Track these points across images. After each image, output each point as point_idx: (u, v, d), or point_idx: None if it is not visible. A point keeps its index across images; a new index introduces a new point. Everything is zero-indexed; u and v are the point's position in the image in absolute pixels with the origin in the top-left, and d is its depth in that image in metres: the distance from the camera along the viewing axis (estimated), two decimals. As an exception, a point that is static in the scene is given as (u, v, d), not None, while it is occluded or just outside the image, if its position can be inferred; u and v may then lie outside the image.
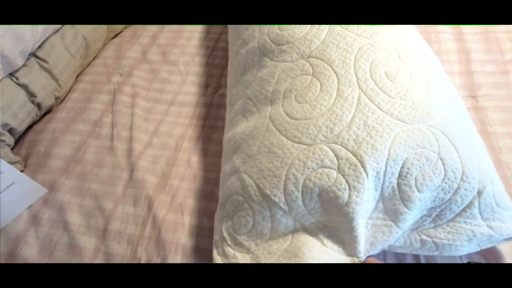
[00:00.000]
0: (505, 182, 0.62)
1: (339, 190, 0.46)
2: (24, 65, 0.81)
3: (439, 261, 0.56)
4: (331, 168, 0.46)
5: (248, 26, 0.69)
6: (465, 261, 0.55)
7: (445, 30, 0.88)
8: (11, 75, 0.79)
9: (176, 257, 0.60)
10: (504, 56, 0.80)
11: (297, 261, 0.46)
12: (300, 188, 0.47)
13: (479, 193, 0.47)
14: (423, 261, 0.57)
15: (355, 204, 0.45)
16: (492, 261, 0.55)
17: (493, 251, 0.56)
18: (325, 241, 0.47)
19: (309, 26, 0.60)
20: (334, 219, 0.48)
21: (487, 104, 0.73)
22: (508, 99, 0.73)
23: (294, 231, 0.49)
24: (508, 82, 0.76)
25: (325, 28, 0.59)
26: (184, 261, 0.60)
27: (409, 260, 0.57)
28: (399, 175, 0.46)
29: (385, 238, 0.49)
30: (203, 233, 0.63)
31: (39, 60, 0.84)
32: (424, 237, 0.50)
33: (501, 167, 0.64)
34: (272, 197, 0.48)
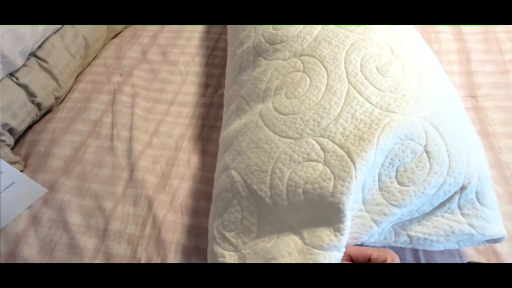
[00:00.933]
0: (505, 182, 0.62)
1: (323, 180, 0.44)
2: (24, 65, 0.81)
3: (439, 261, 0.56)
4: (317, 161, 0.46)
5: (245, 26, 0.69)
6: (465, 261, 0.55)
7: (445, 30, 0.88)
8: (11, 75, 0.79)
9: (176, 257, 0.60)
10: (504, 56, 0.80)
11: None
12: (286, 182, 0.46)
13: (462, 188, 0.46)
14: (423, 261, 0.57)
15: (341, 194, 0.43)
16: (492, 261, 0.55)
17: (493, 251, 0.56)
18: (308, 240, 0.45)
19: (303, 24, 0.60)
20: (320, 214, 0.46)
21: (487, 104, 0.73)
22: (508, 99, 0.73)
23: (280, 231, 0.48)
24: (508, 82, 0.76)
25: (318, 26, 0.59)
26: (184, 261, 0.60)
27: (409, 260, 0.57)
28: (382, 165, 0.46)
29: (355, 230, 0.47)
30: (203, 233, 0.63)
31: (39, 60, 0.84)
32: (398, 229, 0.49)
33: (501, 167, 0.64)
34: (259, 192, 0.48)
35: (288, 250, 0.45)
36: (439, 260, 0.56)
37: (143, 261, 0.61)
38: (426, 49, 0.61)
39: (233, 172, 0.51)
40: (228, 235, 0.50)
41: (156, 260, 0.61)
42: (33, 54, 0.84)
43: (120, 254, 0.62)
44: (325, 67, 0.53)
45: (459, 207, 0.48)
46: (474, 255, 0.56)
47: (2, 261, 0.64)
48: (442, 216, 0.48)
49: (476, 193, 0.47)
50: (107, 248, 0.63)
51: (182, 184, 0.70)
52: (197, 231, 0.63)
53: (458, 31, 0.87)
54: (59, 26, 0.89)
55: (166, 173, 0.72)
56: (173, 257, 0.61)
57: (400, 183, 0.46)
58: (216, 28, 1.02)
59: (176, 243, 0.62)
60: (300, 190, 0.46)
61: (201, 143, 0.76)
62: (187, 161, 0.73)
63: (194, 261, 0.60)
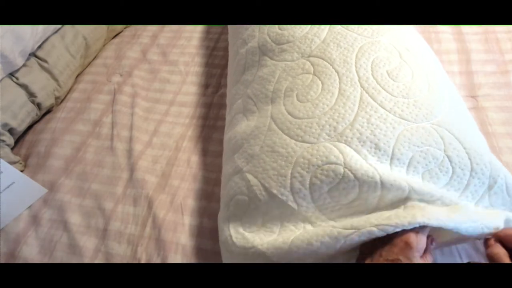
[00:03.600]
0: (505, 182, 0.62)
1: (346, 183, 0.45)
2: (24, 65, 0.81)
3: (439, 261, 0.56)
4: (337, 163, 0.46)
5: (248, 26, 0.69)
6: (465, 261, 0.55)
7: (445, 30, 0.88)
8: (11, 75, 0.79)
9: (176, 257, 0.60)
10: (504, 56, 0.80)
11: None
12: (308, 186, 0.46)
13: (489, 187, 0.47)
14: (423, 261, 0.57)
15: (366, 197, 0.45)
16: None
17: (493, 251, 0.56)
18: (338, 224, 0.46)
19: (309, 25, 0.60)
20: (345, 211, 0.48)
21: (487, 104, 0.73)
22: (508, 99, 0.73)
23: (303, 227, 0.48)
24: (508, 82, 0.76)
25: (325, 27, 0.59)
26: (184, 261, 0.60)
27: (409, 260, 0.57)
28: (407, 174, 0.46)
29: None
30: (203, 233, 0.63)
31: (39, 60, 0.84)
32: None
33: (501, 167, 0.64)
34: (280, 196, 0.47)
35: (316, 232, 0.45)
36: (439, 260, 0.56)
37: (143, 261, 0.61)
38: (429, 51, 0.61)
39: (249, 176, 0.51)
40: (248, 235, 0.50)
41: (156, 260, 0.61)
42: (33, 54, 0.84)
43: (120, 254, 0.62)
44: (336, 70, 0.53)
45: (491, 204, 0.48)
46: (474, 255, 0.55)
47: (2, 261, 0.64)
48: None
49: (507, 189, 0.48)
50: (107, 248, 0.63)
51: (182, 184, 0.70)
52: (197, 231, 0.63)
53: (458, 31, 0.87)
54: (59, 26, 0.89)
55: (166, 173, 0.72)
56: (173, 257, 0.61)
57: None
58: (216, 28, 1.02)
59: (176, 243, 0.62)
60: (325, 193, 0.46)
61: (201, 143, 0.76)
62: (187, 161, 0.73)
63: (194, 261, 0.60)
